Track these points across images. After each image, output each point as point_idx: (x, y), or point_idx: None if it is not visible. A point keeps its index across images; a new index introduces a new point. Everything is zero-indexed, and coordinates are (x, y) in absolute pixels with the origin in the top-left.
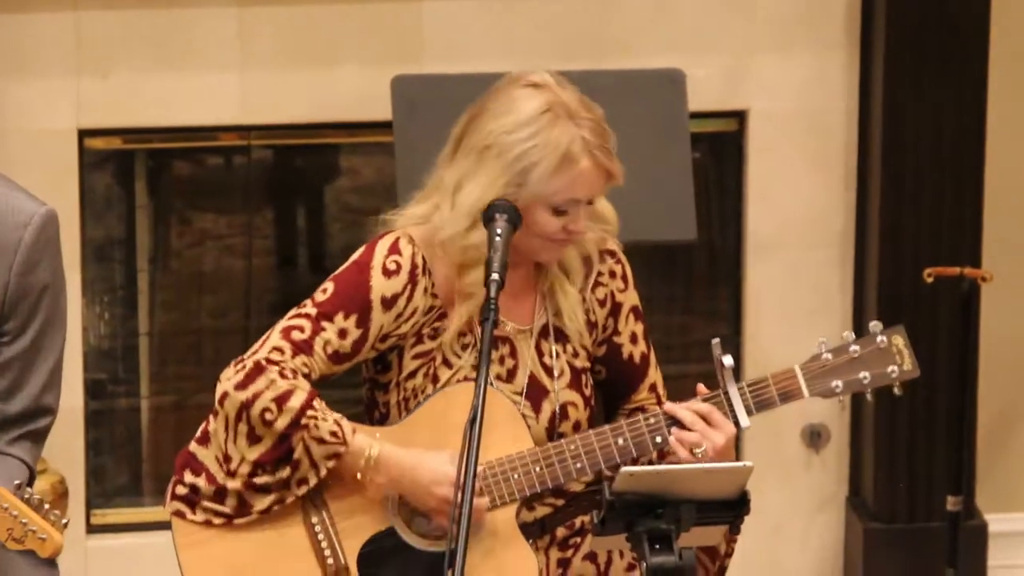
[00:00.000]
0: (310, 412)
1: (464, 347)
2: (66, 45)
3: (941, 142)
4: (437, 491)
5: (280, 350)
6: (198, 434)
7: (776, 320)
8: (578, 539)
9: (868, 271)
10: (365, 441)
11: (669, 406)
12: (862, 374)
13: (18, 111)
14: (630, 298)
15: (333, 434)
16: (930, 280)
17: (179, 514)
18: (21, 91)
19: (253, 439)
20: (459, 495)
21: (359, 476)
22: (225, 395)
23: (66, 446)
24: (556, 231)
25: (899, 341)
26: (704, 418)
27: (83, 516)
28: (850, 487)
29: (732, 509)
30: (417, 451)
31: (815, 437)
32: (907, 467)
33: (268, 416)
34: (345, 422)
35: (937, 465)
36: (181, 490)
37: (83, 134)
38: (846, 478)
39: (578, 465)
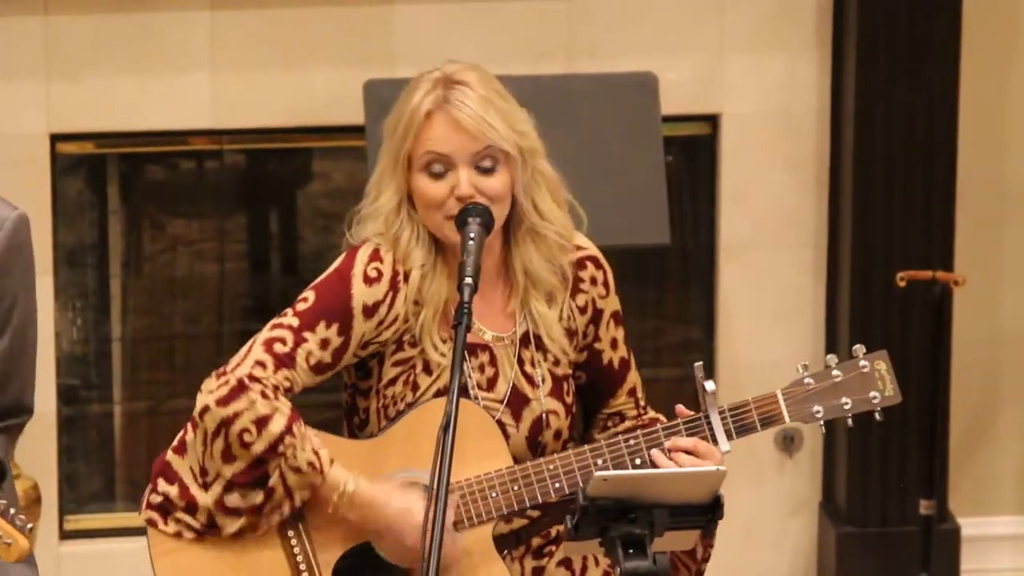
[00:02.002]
0: (288, 439)
1: (448, 347)
2: (36, 49)
3: (913, 145)
4: (405, 541)
5: (262, 364)
6: (175, 443)
7: (749, 323)
8: (552, 547)
9: (841, 274)
10: (342, 475)
11: (656, 455)
12: (843, 400)
13: None
14: (611, 304)
15: (310, 464)
16: (903, 284)
17: (152, 523)
18: None
19: (228, 458)
20: (432, 505)
21: (331, 510)
22: (206, 409)
23: (39, 452)
24: (443, 197)
25: (882, 366)
26: (690, 453)
27: (56, 522)
28: (823, 491)
29: (705, 513)
30: (394, 494)
31: (788, 441)
32: (880, 471)
33: (247, 437)
34: (324, 452)
35: (910, 469)
36: (155, 499)
37: (55, 138)
38: (819, 482)
39: (556, 485)
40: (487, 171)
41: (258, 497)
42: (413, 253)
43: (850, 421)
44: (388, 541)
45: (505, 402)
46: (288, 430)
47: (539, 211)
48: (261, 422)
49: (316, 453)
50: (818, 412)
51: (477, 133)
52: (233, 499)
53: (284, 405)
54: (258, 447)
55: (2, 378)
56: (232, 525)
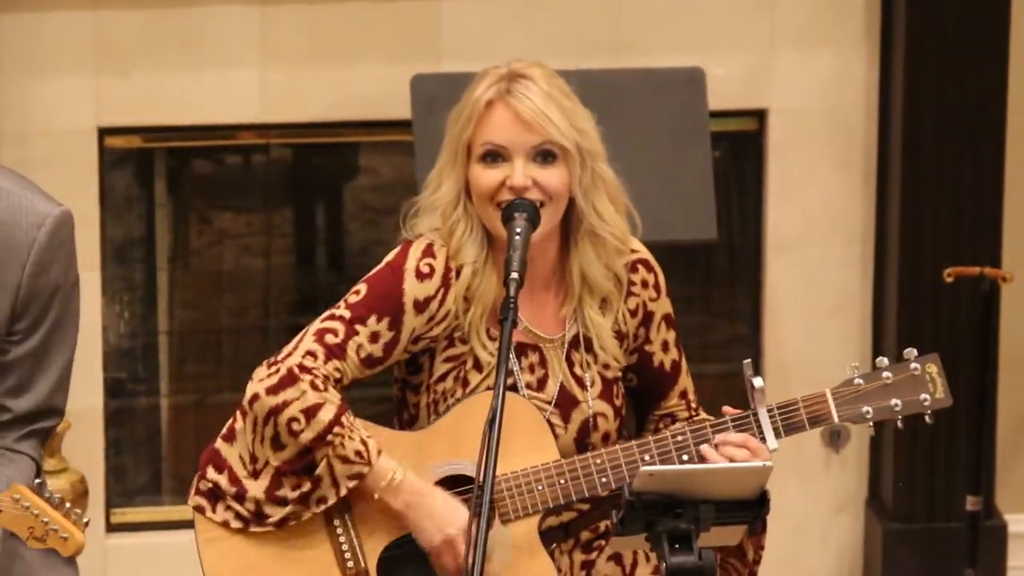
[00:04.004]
0: (337, 429)
1: (496, 345)
2: (86, 44)
3: (961, 141)
4: (446, 530)
5: (313, 354)
6: (224, 431)
7: (796, 319)
8: (602, 542)
9: (888, 270)
10: (390, 464)
11: (705, 450)
12: (893, 401)
13: (39, 110)
14: (662, 307)
15: (358, 454)
16: (950, 280)
17: (200, 509)
18: (41, 90)
19: (277, 446)
20: (477, 499)
21: (376, 496)
22: (256, 397)
23: (86, 445)
24: (494, 186)
25: (933, 369)
26: (743, 447)
27: (103, 515)
28: (870, 487)
29: (751, 509)
30: (440, 490)
31: (835, 437)
32: (927, 467)
33: (295, 426)
34: (372, 442)
35: (956, 465)
36: (204, 486)
37: (103, 133)
38: (866, 478)
39: (603, 479)
40: (543, 164)
41: (305, 485)
42: (465, 248)
43: (900, 423)
44: (429, 533)
45: (554, 403)
46: (337, 420)
47: (599, 213)
48: (310, 411)
49: (364, 443)
50: (868, 413)
51: (536, 126)
52: (283, 490)
53: (334, 396)
54: (307, 436)
55: (28, 376)
56: (278, 513)
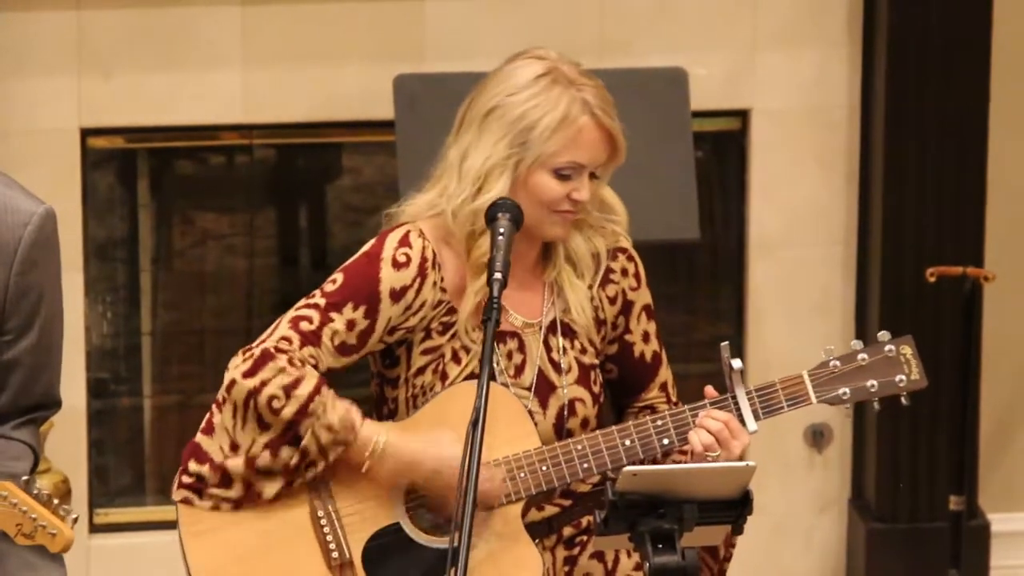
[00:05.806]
0: (318, 399)
1: (479, 333)
2: (68, 44)
3: (944, 141)
4: (444, 476)
5: (288, 340)
6: (203, 425)
7: (778, 319)
8: (584, 538)
9: (871, 270)
10: (373, 430)
11: (691, 436)
12: (869, 382)
13: (21, 110)
14: (642, 297)
15: (343, 420)
16: (933, 280)
17: (186, 501)
18: (24, 90)
19: (262, 426)
20: (460, 499)
21: (365, 468)
22: (233, 383)
23: (69, 446)
24: (560, 198)
25: (907, 351)
26: (725, 424)
27: (86, 515)
28: (853, 487)
29: (735, 509)
30: (422, 436)
31: (818, 437)
32: (910, 467)
33: (276, 404)
34: (355, 410)
35: (939, 465)
36: (187, 479)
37: (85, 133)
38: (849, 478)
39: (585, 465)
40: (594, 176)
41: (293, 458)
42: (482, 251)
43: (877, 404)
44: (431, 490)
45: (532, 389)
46: (317, 390)
47: (607, 205)
48: (289, 387)
49: (347, 411)
50: (845, 394)
51: (619, 146)
52: (264, 459)
53: (311, 371)
54: (288, 411)
55: (34, 371)
56: (270, 488)
